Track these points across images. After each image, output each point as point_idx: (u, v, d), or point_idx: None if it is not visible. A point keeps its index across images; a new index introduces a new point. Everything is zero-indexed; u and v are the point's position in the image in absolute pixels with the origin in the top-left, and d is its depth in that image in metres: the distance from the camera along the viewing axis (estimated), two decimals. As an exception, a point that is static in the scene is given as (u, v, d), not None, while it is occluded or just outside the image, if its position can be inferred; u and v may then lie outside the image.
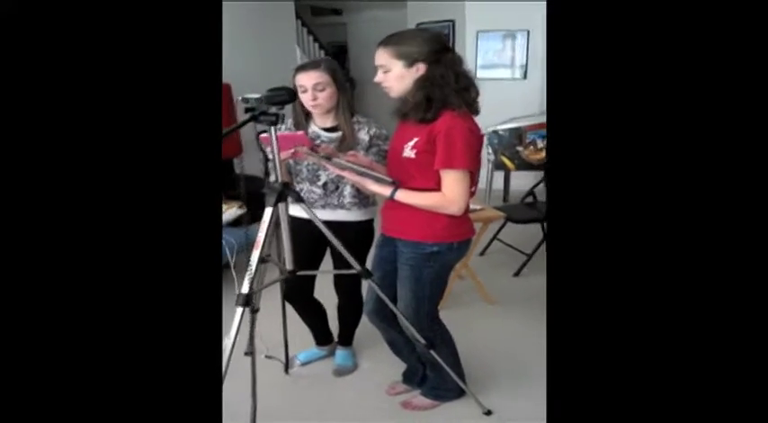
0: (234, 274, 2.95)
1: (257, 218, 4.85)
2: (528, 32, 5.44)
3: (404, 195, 1.76)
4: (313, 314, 2.50)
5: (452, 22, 5.70)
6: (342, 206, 2.17)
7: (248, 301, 1.70)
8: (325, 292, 2.46)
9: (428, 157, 1.71)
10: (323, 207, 2.16)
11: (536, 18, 5.07)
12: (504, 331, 2.89)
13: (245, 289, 1.71)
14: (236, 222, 3.41)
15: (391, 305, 1.93)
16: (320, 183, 2.16)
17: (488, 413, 2.17)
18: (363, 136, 2.10)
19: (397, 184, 1.76)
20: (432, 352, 1.99)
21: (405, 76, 1.71)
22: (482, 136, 1.76)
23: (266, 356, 2.50)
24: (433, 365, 2.10)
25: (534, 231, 3.70)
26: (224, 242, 3.04)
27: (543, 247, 3.60)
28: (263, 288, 1.88)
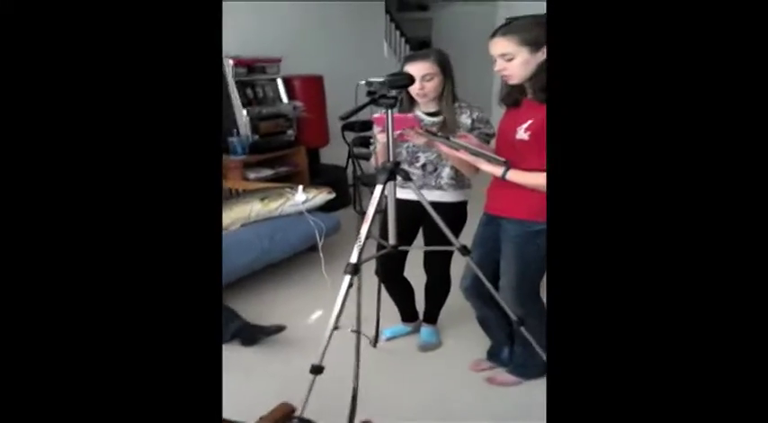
0: (321, 255, 3.14)
1: (344, 204, 5.02)
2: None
3: (515, 175, 1.85)
4: (402, 292, 2.64)
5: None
6: (439, 187, 2.29)
7: (356, 270, 1.85)
8: (413, 271, 2.59)
9: (542, 139, 1.79)
10: (421, 187, 2.27)
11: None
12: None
13: (353, 259, 1.85)
14: (324, 207, 3.59)
15: (488, 283, 2.03)
16: (419, 164, 2.29)
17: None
18: (465, 120, 2.21)
19: (508, 165, 1.85)
20: (522, 329, 2.08)
21: (530, 62, 1.79)
22: None
23: (352, 330, 2.65)
24: (522, 342, 2.19)
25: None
26: (313, 224, 3.23)
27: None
28: (370, 259, 2.02)
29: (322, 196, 3.48)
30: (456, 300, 2.60)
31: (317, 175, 4.76)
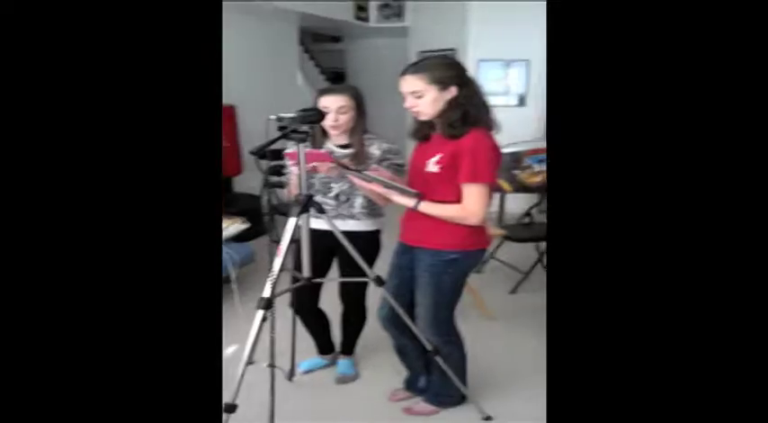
0: (234, 287, 3.06)
1: (258, 233, 4.91)
2: (527, 61, 5.68)
3: (427, 207, 1.90)
4: (318, 323, 2.61)
5: (454, 50, 5.89)
6: (352, 216, 2.30)
7: (269, 305, 1.82)
8: (328, 302, 2.57)
9: (451, 171, 1.85)
10: (334, 217, 2.28)
11: (536, 47, 5.28)
12: (501, 344, 3.01)
13: (266, 293, 1.82)
14: (237, 238, 3.52)
15: (401, 312, 2.05)
16: (332, 194, 2.30)
17: (488, 419, 2.28)
18: (375, 151, 2.25)
19: (420, 196, 1.90)
20: (437, 358, 2.11)
21: (438, 99, 1.85)
22: (501, 153, 1.90)
23: (268, 365, 2.60)
24: (438, 371, 2.22)
25: (529, 251, 3.85)
26: (226, 256, 3.16)
27: (538, 266, 3.76)
28: (285, 292, 1.99)
29: (236, 226, 3.42)
30: (371, 330, 2.60)
31: (231, 204, 4.68)
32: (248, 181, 5.06)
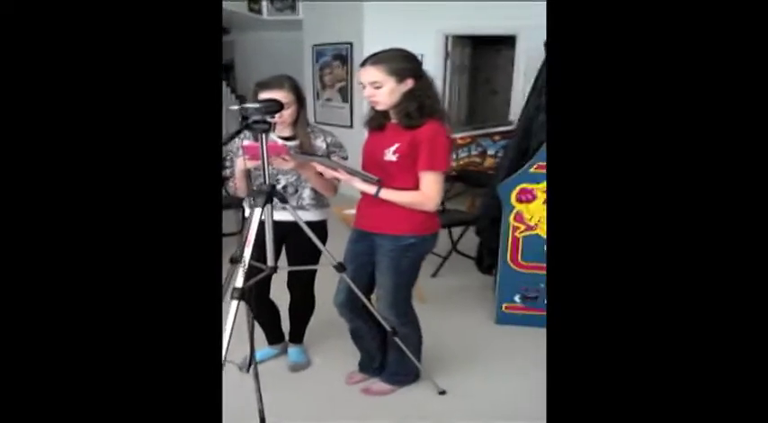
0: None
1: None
2: (422, 55, 5.87)
3: (387, 193, 1.98)
4: (268, 313, 2.62)
5: (350, 44, 5.98)
6: (301, 207, 2.34)
7: (243, 295, 1.83)
8: (274, 291, 2.59)
9: (409, 160, 1.96)
10: (283, 208, 2.30)
11: (429, 43, 5.50)
12: (435, 324, 3.16)
13: (239, 283, 1.83)
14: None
15: (361, 295, 2.13)
16: (280, 186, 2.32)
17: (443, 393, 2.42)
18: (320, 144, 2.30)
19: (381, 183, 1.98)
20: (396, 338, 2.22)
21: (395, 91, 1.94)
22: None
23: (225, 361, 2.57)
24: (395, 351, 2.32)
25: (443, 237, 4.04)
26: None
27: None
28: (252, 282, 1.99)
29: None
30: (317, 318, 2.66)
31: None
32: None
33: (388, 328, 2.20)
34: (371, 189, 1.99)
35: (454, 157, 5.00)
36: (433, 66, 5.69)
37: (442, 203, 4.38)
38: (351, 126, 6.09)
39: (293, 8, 6.78)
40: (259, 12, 6.80)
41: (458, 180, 5.19)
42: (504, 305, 3.13)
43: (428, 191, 1.97)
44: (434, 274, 3.90)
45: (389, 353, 2.39)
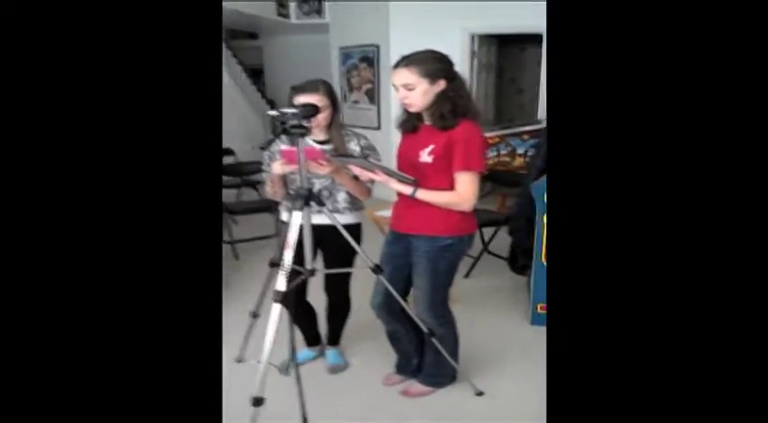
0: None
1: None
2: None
3: (423, 194, 1.99)
4: (306, 316, 2.65)
5: (377, 46, 6.00)
6: (336, 211, 2.36)
7: (285, 298, 1.86)
8: (312, 294, 2.62)
9: (444, 161, 1.96)
10: (319, 212, 2.32)
11: (455, 43, 5.49)
12: (469, 326, 3.16)
13: (281, 286, 1.86)
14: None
15: (398, 297, 2.15)
16: (315, 190, 2.34)
17: (480, 393, 2.43)
18: (354, 147, 2.32)
19: (417, 183, 1.99)
20: (433, 339, 2.23)
21: (428, 92, 1.95)
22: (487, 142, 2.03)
23: (258, 361, 2.60)
24: (432, 353, 2.33)
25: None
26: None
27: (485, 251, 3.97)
28: (292, 286, 2.02)
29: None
30: (353, 320, 2.69)
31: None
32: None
33: (425, 329, 2.21)
34: (408, 190, 2.00)
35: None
36: (460, 65, 5.66)
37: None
38: (378, 128, 6.11)
39: (320, 11, 6.84)
40: (287, 16, 6.87)
41: (487, 180, 5.17)
42: (539, 305, 3.12)
43: (464, 191, 1.97)
44: (467, 275, 3.90)
45: (426, 354, 2.40)
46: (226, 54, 6.89)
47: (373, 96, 6.29)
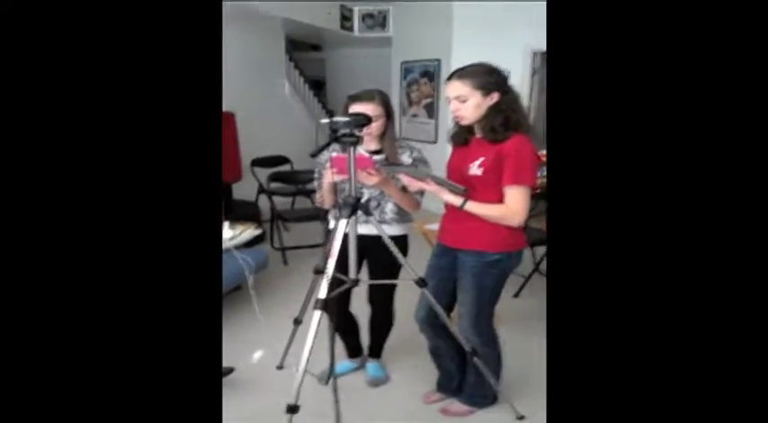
0: (253, 293, 3.05)
1: (256, 240, 4.89)
2: (508, 72, 5.81)
3: (473, 206, 1.95)
4: (348, 326, 2.64)
5: (438, 61, 6.00)
6: (384, 221, 2.34)
7: (326, 306, 1.85)
8: (355, 306, 2.61)
9: (493, 175, 1.93)
10: (366, 222, 2.31)
11: (516, 59, 5.42)
12: (515, 347, 3.08)
13: (322, 294, 1.85)
14: (251, 243, 3.50)
15: (441, 312, 2.10)
16: (363, 200, 2.33)
17: (521, 418, 2.35)
18: (407, 158, 2.30)
19: (467, 194, 1.95)
20: (476, 358, 2.17)
21: (481, 105, 1.92)
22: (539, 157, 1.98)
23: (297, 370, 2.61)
24: (474, 372, 2.27)
25: (525, 256, 3.94)
26: (243, 262, 3.14)
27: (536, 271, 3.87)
28: (335, 294, 2.01)
29: (249, 232, 3.38)
30: (395, 333, 2.65)
31: (230, 211, 4.65)
32: (241, 188, 5.05)
33: (467, 348, 2.16)
34: (457, 201, 1.96)
35: (538, 174, 4.90)
36: (520, 82, 5.60)
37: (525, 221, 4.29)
38: (435, 141, 6.09)
39: (383, 25, 6.88)
40: (351, 29, 6.95)
41: (540, 198, 5.06)
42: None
43: (513, 205, 1.92)
44: (516, 295, 3.81)
45: (468, 373, 2.35)
46: (288, 65, 7.02)
47: (432, 110, 6.28)
